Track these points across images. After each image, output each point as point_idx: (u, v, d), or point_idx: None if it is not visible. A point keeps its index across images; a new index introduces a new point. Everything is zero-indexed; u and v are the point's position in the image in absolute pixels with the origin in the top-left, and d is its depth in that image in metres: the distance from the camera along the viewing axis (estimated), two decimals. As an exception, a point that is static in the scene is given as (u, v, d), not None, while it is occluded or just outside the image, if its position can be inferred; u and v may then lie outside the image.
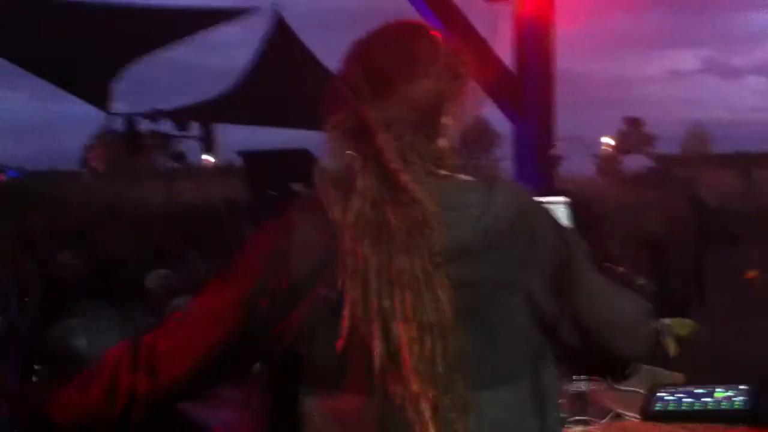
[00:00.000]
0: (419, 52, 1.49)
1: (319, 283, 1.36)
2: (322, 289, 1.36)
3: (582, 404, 2.54)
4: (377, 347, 1.32)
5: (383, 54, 1.49)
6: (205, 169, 32.29)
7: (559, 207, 2.78)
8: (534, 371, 1.47)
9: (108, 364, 1.49)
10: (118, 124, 19.60)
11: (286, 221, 1.44)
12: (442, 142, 1.52)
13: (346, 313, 1.33)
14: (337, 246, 1.36)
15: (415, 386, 1.31)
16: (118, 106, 19.89)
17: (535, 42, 4.38)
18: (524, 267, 1.45)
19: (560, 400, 1.79)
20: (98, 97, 18.34)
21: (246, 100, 16.74)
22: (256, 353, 1.44)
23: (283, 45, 16.19)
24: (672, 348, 3.16)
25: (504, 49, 4.47)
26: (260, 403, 1.50)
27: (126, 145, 20.20)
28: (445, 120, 1.52)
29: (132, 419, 1.49)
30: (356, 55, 1.51)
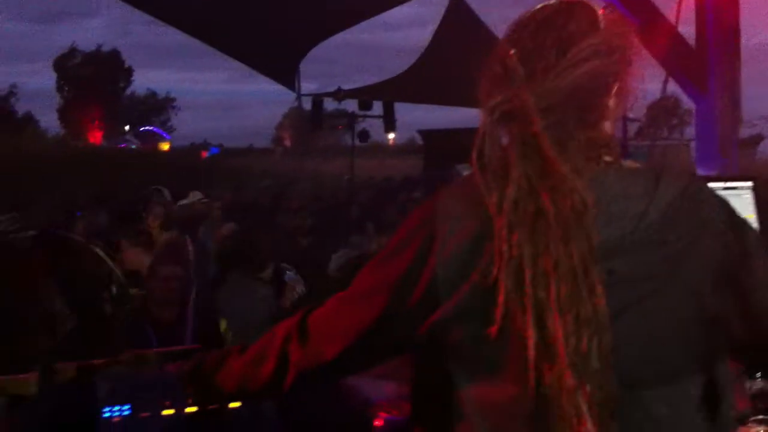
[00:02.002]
0: (578, 31, 1.41)
1: (473, 270, 1.35)
2: (475, 275, 1.34)
3: (764, 402, 2.38)
4: (531, 338, 1.29)
5: (539, 34, 1.42)
6: (387, 147, 32.91)
7: (743, 192, 2.60)
8: (704, 368, 1.39)
9: (278, 339, 1.56)
10: (306, 104, 20.34)
11: (440, 205, 1.43)
12: (605, 126, 1.45)
13: (500, 300, 1.31)
14: (491, 232, 1.34)
15: (570, 380, 1.27)
16: (307, 86, 20.70)
17: (717, 11, 4.07)
18: (689, 260, 1.36)
19: (735, 399, 1.68)
20: (288, 77, 19.11)
21: (425, 79, 16.84)
22: (407, 337, 1.44)
23: (460, 22, 16.10)
24: None
25: (682, 21, 4.19)
26: (413, 387, 1.52)
27: (313, 123, 20.93)
28: (609, 101, 1.44)
29: (293, 390, 1.55)
30: (511, 36, 1.46)
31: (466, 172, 1.48)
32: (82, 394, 2.19)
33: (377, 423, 2.18)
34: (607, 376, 1.29)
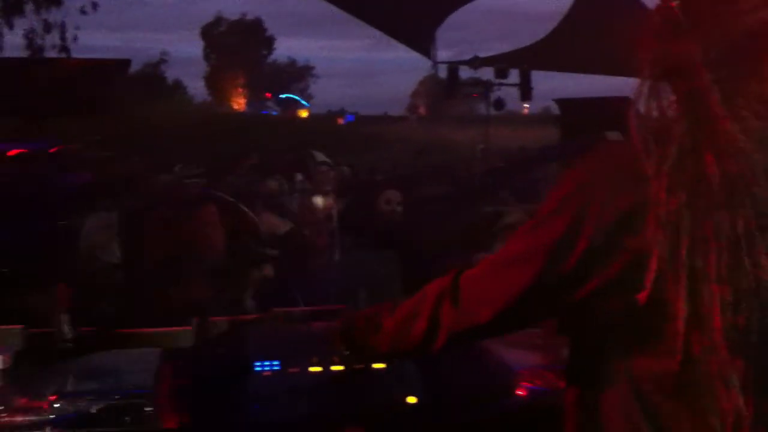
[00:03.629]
0: None
1: (628, 238, 1.31)
2: (631, 244, 1.30)
3: None
4: (681, 309, 1.25)
5: None
6: (522, 116, 32.40)
7: None
8: None
9: (430, 299, 1.57)
10: (442, 72, 20.27)
11: (594, 169, 1.40)
12: None
13: (652, 267, 1.27)
14: (646, 197, 1.29)
15: (724, 354, 1.23)
16: (442, 54, 20.61)
17: None
18: None
19: None
20: (424, 45, 19.11)
21: (563, 46, 16.44)
22: (560, 304, 1.43)
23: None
24: None
25: None
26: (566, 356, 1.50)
27: (447, 92, 20.86)
28: None
29: (441, 352, 1.57)
30: None
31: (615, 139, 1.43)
32: (234, 347, 2.30)
33: (519, 392, 2.18)
34: (765, 352, 1.23)
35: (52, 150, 3.12)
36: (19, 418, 1.92)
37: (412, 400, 2.12)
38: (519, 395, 2.18)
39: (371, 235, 5.40)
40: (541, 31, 17.53)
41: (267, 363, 2.18)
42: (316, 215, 4.97)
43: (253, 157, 11.05)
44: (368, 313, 1.83)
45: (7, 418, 1.92)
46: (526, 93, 19.12)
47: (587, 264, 1.35)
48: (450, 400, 2.15)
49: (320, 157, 7.10)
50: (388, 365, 2.15)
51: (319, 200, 5.70)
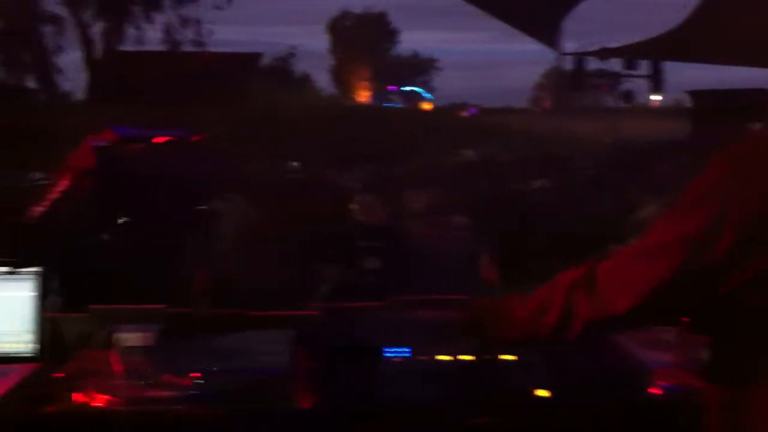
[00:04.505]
0: None
1: None
2: None
3: None
4: None
5: None
6: (652, 108, 31.32)
7: None
8: None
9: (563, 288, 1.55)
10: (567, 63, 19.86)
11: (740, 158, 1.35)
12: None
13: None
14: None
15: None
16: (569, 45, 20.17)
17: None
18: None
19: None
20: (550, 36, 18.77)
21: (697, 36, 15.76)
22: (702, 296, 1.38)
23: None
24: None
25: None
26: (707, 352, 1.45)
27: (573, 84, 20.43)
28: None
29: (574, 343, 1.55)
30: None
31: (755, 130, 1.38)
32: (365, 333, 2.34)
33: (653, 390, 2.12)
34: None
35: (194, 138, 3.28)
36: (163, 393, 2.02)
37: (541, 393, 2.10)
38: (653, 393, 2.12)
39: (498, 225, 5.36)
40: (673, 20, 16.86)
41: (397, 349, 2.21)
42: (440, 204, 4.98)
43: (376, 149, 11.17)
44: (498, 302, 1.83)
45: (153, 393, 2.02)
46: (657, 84, 18.49)
47: (734, 255, 1.30)
48: (581, 396, 2.11)
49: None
50: (517, 357, 2.13)
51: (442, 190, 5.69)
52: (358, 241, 4.11)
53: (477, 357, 2.12)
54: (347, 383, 2.16)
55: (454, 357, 2.16)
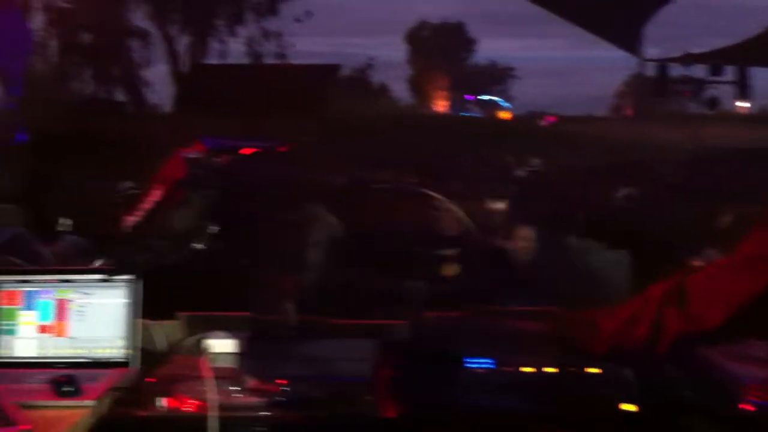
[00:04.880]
0: None
1: None
2: None
3: None
4: None
5: None
6: (738, 115, 30.37)
7: None
8: None
9: (653, 301, 1.53)
10: (649, 70, 19.45)
11: None
12: None
13: None
14: None
15: None
16: (650, 51, 19.76)
17: None
18: None
19: None
20: (631, 42, 18.42)
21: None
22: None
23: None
24: None
25: None
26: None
27: (656, 90, 20.00)
28: None
29: (664, 357, 1.52)
30: None
31: None
32: (448, 343, 2.35)
33: (744, 406, 2.06)
34: None
35: (280, 149, 3.35)
36: (251, 399, 2.07)
37: (628, 407, 2.06)
38: (744, 409, 2.06)
39: (583, 235, 5.29)
40: (760, 25, 16.34)
41: (480, 360, 2.21)
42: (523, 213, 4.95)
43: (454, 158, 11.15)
44: (585, 315, 1.81)
45: (241, 399, 2.07)
46: (743, 91, 17.94)
47: None
48: (669, 411, 2.07)
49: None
50: (604, 370, 2.10)
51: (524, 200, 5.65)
52: (440, 251, 4.11)
53: (562, 369, 2.10)
54: (430, 393, 2.17)
55: (538, 369, 2.14)
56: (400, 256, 3.48)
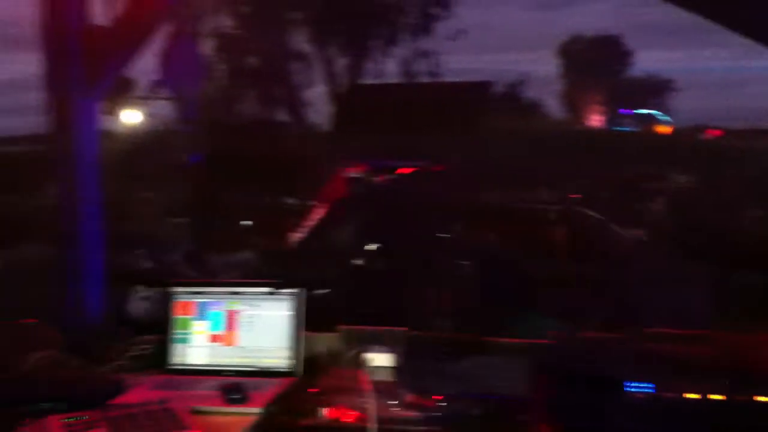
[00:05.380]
0: None
1: None
2: None
3: None
4: None
5: None
6: None
7: None
8: None
9: None
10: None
11: None
12: None
13: None
14: None
15: None
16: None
17: None
18: None
19: None
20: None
21: None
22: None
23: None
24: None
25: None
26: None
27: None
28: None
29: None
30: None
31: None
32: (606, 365, 2.29)
33: None
34: None
35: (435, 168, 3.40)
36: (409, 413, 2.11)
37: (803, 439, 1.94)
38: None
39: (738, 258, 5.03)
40: None
41: (641, 384, 2.15)
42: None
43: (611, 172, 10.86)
44: (756, 338, 1.73)
45: (398, 413, 2.12)
46: None
47: None
48: None
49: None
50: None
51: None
52: (598, 270, 4.03)
53: (729, 397, 2.01)
54: (587, 416, 2.12)
55: (704, 395, 2.06)
56: (557, 275, 3.44)
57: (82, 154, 3.14)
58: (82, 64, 3.03)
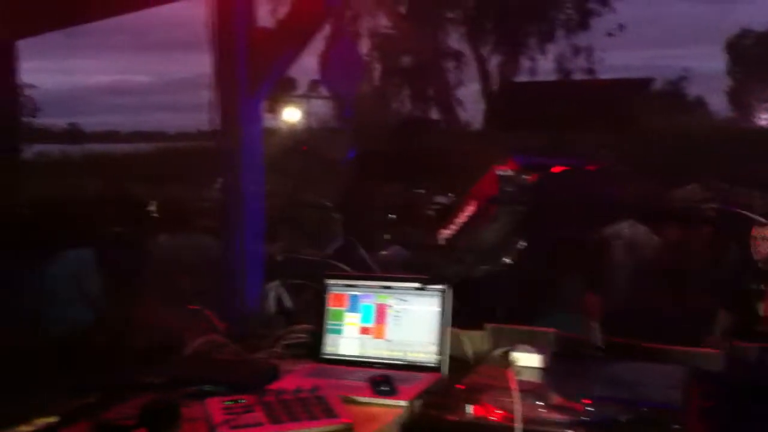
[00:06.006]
0: None
1: None
2: None
3: None
4: None
5: None
6: None
7: None
8: None
9: None
10: None
11: None
12: None
13: None
14: None
15: None
16: None
17: None
18: None
19: None
20: None
21: None
22: None
23: None
24: None
25: None
26: None
27: None
28: None
29: None
30: None
31: None
32: (765, 376, 2.19)
33: None
34: None
35: (590, 167, 3.32)
36: (555, 416, 2.08)
37: None
38: None
39: None
40: None
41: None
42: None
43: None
44: None
45: (545, 414, 2.09)
46: None
47: None
48: None
49: None
50: None
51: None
52: (758, 282, 3.80)
53: None
54: (744, 428, 2.03)
55: None
56: (715, 282, 3.28)
57: (247, 150, 3.30)
58: (248, 65, 3.18)
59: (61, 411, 2.02)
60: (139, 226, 4.80)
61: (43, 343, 2.84)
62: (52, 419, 1.99)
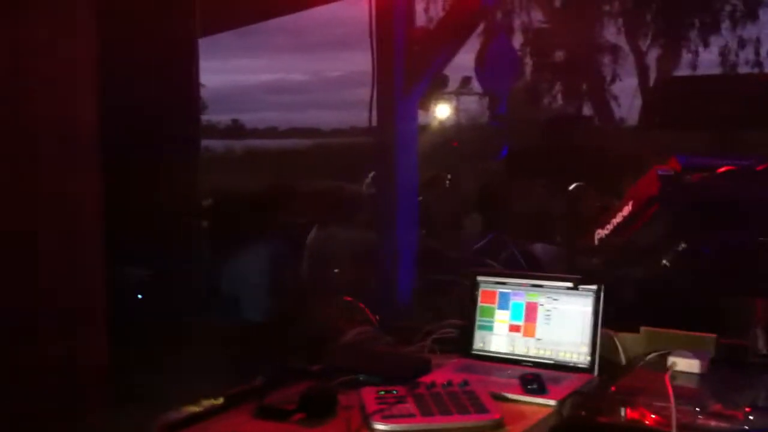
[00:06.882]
0: None
1: None
2: None
3: None
4: None
5: None
6: None
7: None
8: None
9: None
10: None
11: None
12: None
13: None
14: None
15: None
16: None
17: None
18: None
19: None
20: None
21: None
22: None
23: None
24: None
25: None
26: None
27: None
28: None
29: None
30: None
31: None
32: None
33: None
34: None
35: (759, 167, 3.15)
36: (713, 423, 2.01)
37: None
38: None
39: None
40: None
41: None
42: None
43: None
44: None
45: (702, 421, 2.03)
46: None
47: None
48: None
49: None
50: None
51: None
52: None
53: None
54: None
55: None
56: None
57: (402, 147, 3.37)
58: (405, 65, 3.25)
59: (227, 394, 2.15)
60: (321, 217, 4.90)
61: (233, 331, 3.00)
62: (218, 401, 2.12)
